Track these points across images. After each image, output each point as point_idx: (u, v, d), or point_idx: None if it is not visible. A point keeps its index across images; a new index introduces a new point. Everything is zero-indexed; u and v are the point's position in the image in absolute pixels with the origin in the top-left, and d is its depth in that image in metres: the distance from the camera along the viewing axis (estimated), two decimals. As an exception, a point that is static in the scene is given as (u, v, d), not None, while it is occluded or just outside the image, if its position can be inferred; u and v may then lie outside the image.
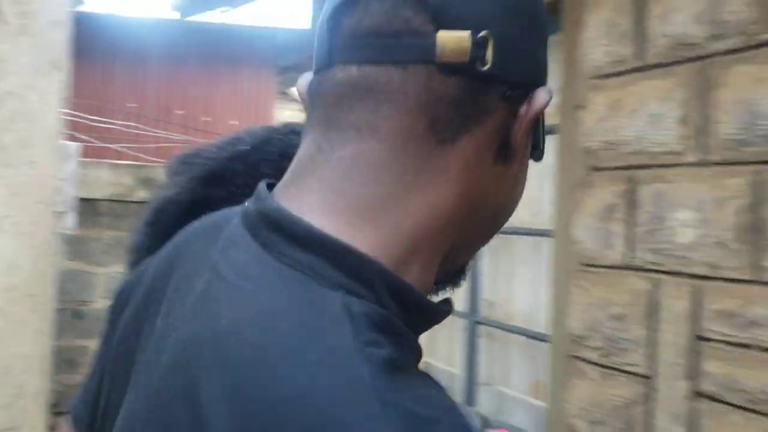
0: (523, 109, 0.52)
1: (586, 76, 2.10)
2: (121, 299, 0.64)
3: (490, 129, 0.51)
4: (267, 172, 0.81)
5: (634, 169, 1.94)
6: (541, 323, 2.52)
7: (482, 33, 0.48)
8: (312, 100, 0.53)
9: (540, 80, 0.54)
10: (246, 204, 0.54)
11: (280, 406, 0.41)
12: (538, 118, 0.54)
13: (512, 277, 2.87)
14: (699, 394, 1.73)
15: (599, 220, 2.03)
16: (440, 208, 0.49)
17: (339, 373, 0.41)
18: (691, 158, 1.77)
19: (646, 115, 1.90)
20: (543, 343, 2.43)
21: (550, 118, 2.35)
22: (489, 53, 0.48)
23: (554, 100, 2.12)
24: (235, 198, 0.81)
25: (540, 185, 2.50)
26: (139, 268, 0.66)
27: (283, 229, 0.48)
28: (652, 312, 1.86)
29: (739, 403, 1.62)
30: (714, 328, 1.70)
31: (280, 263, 0.47)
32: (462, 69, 0.48)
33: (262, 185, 0.54)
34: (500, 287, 2.90)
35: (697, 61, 1.76)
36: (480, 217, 0.54)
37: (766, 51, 1.60)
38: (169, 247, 0.62)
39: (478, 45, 0.47)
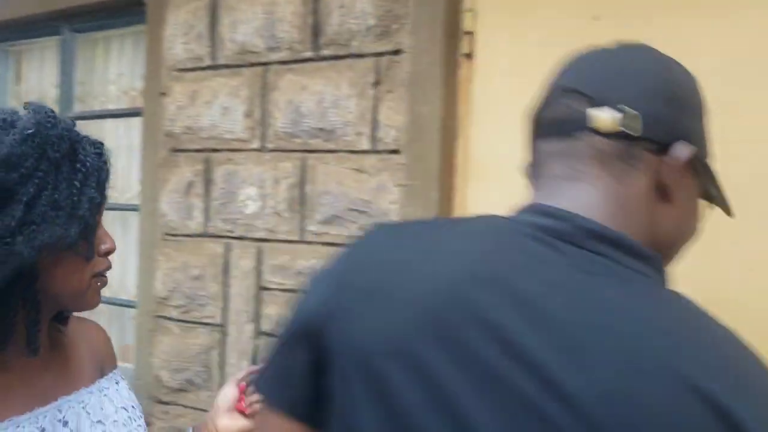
0: (667, 158, 0.71)
1: (168, 68, 2.38)
2: (333, 303, 0.72)
3: (644, 173, 0.71)
4: (52, 155, 0.90)
5: (209, 152, 2.29)
6: (130, 292, 2.71)
7: (627, 111, 0.70)
8: (537, 150, 0.77)
9: (680, 138, 0.72)
10: (531, 219, 0.71)
11: None
12: (709, 175, 0.76)
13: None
14: (261, 333, 2.18)
15: (181, 195, 2.34)
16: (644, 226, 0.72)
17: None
18: (254, 145, 2.19)
19: (218, 107, 2.27)
20: (131, 309, 2.64)
21: (138, 102, 2.54)
22: (630, 123, 0.70)
23: (140, 87, 2.33)
24: (29, 180, 0.88)
25: (128, 164, 2.69)
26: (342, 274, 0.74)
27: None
28: (225, 271, 2.24)
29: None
30: (272, 279, 2.15)
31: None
32: (614, 134, 0.70)
33: (548, 207, 0.71)
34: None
35: (259, 67, 2.19)
36: (661, 242, 0.73)
37: (307, 65, 2.09)
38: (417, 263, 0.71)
39: (625, 119, 0.70)
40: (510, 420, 0.59)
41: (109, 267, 1.01)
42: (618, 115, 0.70)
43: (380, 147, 1.96)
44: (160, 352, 2.38)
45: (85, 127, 1.02)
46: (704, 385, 0.56)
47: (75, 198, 0.92)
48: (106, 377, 1.09)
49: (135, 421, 1.06)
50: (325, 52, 2.06)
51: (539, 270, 0.65)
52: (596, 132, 0.71)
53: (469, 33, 1.89)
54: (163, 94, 2.38)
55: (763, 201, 1.48)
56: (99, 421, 1.00)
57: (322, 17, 2.06)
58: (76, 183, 0.92)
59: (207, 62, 2.30)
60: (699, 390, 0.55)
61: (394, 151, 1.93)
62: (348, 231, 2.00)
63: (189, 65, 2.33)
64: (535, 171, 0.78)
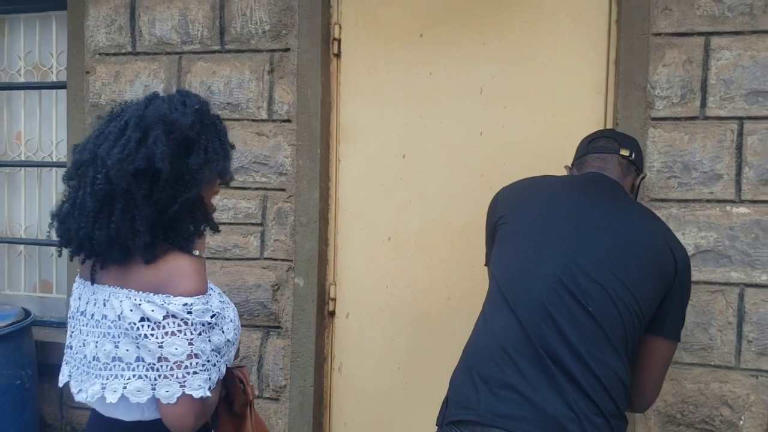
0: (638, 179, 1.88)
1: (92, 52, 2.98)
2: (505, 202, 1.82)
3: (631, 175, 1.85)
4: (207, 121, 1.50)
5: (132, 119, 2.94)
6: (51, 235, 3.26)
7: (632, 150, 1.85)
8: (587, 157, 1.89)
9: (641, 168, 1.91)
10: (591, 176, 1.82)
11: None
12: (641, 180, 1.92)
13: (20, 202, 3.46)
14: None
15: (108, 154, 2.97)
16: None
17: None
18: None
19: (140, 85, 2.93)
20: (50, 249, 3.20)
21: (47, 77, 3.09)
22: (637, 159, 1.86)
23: (64, 66, 2.93)
24: (201, 136, 1.47)
25: (62, 126, 3.21)
26: (510, 190, 1.86)
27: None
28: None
29: None
30: (191, 215, 2.88)
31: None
32: (626, 158, 1.84)
33: (593, 174, 1.82)
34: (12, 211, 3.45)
35: (174, 55, 2.89)
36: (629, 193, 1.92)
37: (215, 56, 2.83)
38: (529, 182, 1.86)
39: (636, 159, 1.86)
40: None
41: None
42: (627, 152, 1.84)
43: (275, 117, 2.77)
44: (94, 277, 3.01)
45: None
46: (665, 237, 1.63)
47: (222, 145, 1.55)
48: None
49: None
50: (230, 47, 2.82)
51: (596, 190, 1.74)
52: (620, 155, 1.83)
53: (337, 39, 2.76)
54: (88, 72, 2.99)
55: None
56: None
57: (227, 21, 2.82)
58: (221, 137, 1.56)
59: (128, 49, 2.94)
60: (664, 240, 1.62)
61: (287, 120, 2.76)
62: (252, 178, 2.80)
63: (112, 51, 2.96)
64: (579, 166, 1.89)
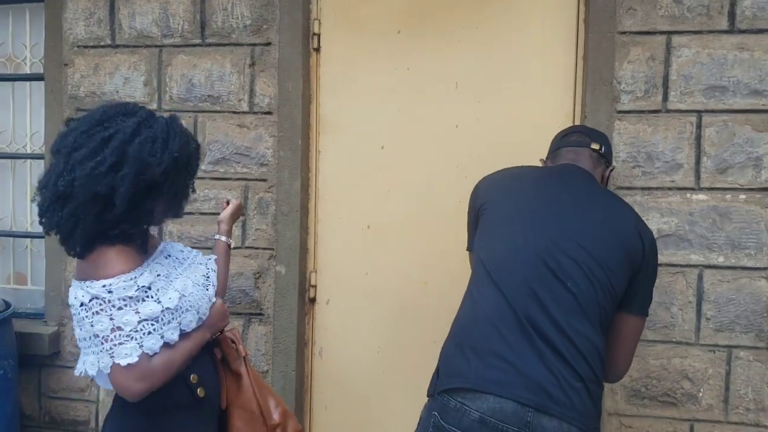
0: (608, 171, 2.05)
1: (70, 44, 3.00)
2: (487, 190, 1.96)
3: (601, 167, 2.01)
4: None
5: (111, 111, 2.97)
6: (26, 226, 3.26)
7: (602, 144, 2.01)
8: (560, 150, 2.05)
9: (610, 160, 2.08)
10: (566, 166, 1.98)
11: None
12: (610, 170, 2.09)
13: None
14: (163, 246, 2.94)
15: (87, 145, 2.99)
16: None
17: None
18: (152, 106, 2.93)
19: (120, 77, 2.96)
20: (24, 241, 3.20)
21: (20, 69, 3.09)
22: (606, 153, 2.02)
23: (38, 58, 2.95)
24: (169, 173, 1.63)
25: (36, 118, 3.19)
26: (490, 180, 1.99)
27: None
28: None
29: None
30: (172, 205, 2.93)
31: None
32: (596, 151, 2.00)
33: (567, 164, 1.98)
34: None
35: (155, 48, 2.93)
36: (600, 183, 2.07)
37: (196, 49, 2.89)
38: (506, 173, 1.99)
39: (605, 152, 2.03)
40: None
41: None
42: (598, 146, 1.99)
43: (257, 109, 2.85)
44: (74, 266, 3.03)
45: None
46: (635, 223, 1.80)
47: (186, 188, 1.77)
48: (161, 243, 1.88)
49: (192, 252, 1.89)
50: (211, 40, 2.88)
51: (571, 180, 1.89)
52: (591, 148, 1.98)
53: (317, 34, 2.85)
54: (66, 65, 3.00)
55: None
56: (181, 251, 1.84)
57: (208, 15, 2.87)
58: (187, 180, 1.76)
59: (107, 42, 2.97)
60: (633, 225, 1.79)
61: (268, 113, 2.83)
62: (233, 169, 2.87)
63: (91, 43, 2.98)
64: (554, 158, 2.04)
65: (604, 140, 2.03)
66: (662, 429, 2.55)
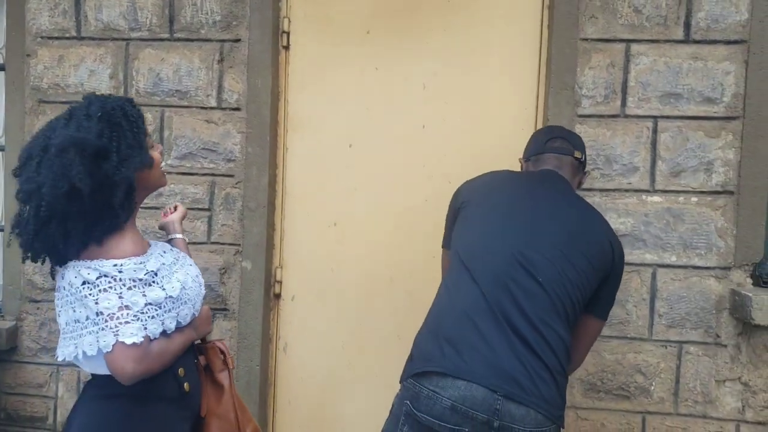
0: (584, 177, 2.16)
1: (33, 35, 2.95)
2: (468, 191, 2.02)
3: (579, 174, 2.12)
4: (115, 120, 1.62)
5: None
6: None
7: (582, 153, 2.11)
8: (543, 155, 2.11)
9: (585, 167, 2.20)
10: (546, 171, 2.06)
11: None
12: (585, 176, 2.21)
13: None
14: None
15: (50, 137, 2.94)
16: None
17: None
18: (118, 100, 2.91)
19: (85, 69, 2.93)
20: (-17, 234, 3.14)
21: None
22: (581, 158, 2.10)
23: (1, 47, 2.91)
24: (112, 140, 1.60)
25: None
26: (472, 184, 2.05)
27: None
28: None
29: None
30: (136, 200, 2.91)
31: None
32: (577, 159, 2.09)
33: (549, 171, 2.06)
34: None
35: (122, 41, 2.91)
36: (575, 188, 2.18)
37: (164, 43, 2.88)
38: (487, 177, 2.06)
39: (584, 160, 2.12)
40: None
41: (161, 160, 1.80)
42: (580, 154, 2.08)
43: (225, 105, 2.86)
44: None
45: None
46: (607, 232, 1.91)
47: (136, 137, 1.69)
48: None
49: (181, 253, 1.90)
50: (179, 35, 2.87)
51: (552, 186, 1.98)
52: (573, 156, 2.07)
53: (287, 32, 2.88)
54: (29, 55, 2.96)
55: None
56: (171, 249, 1.84)
57: (176, 10, 2.87)
58: (134, 129, 1.69)
59: (72, 34, 2.94)
60: (605, 234, 1.86)
61: (236, 109, 2.84)
62: (200, 164, 2.87)
63: (55, 34, 2.94)
64: (536, 162, 2.09)
65: (582, 147, 2.14)
66: (616, 421, 2.66)
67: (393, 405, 1.84)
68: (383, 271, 2.84)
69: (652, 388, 2.63)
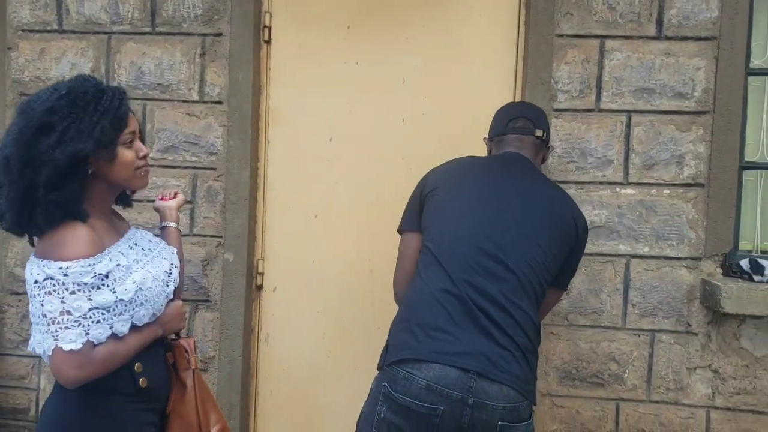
0: (548, 153, 2.26)
1: (14, 28, 2.96)
2: (435, 178, 2.07)
3: (542, 152, 2.20)
4: (80, 103, 1.60)
5: (57, 96, 2.94)
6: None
7: (545, 131, 2.17)
8: (505, 137, 2.18)
9: (549, 142, 2.26)
10: (508, 153, 2.15)
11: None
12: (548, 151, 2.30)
13: None
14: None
15: (31, 130, 2.95)
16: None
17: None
18: (100, 93, 2.92)
19: (67, 62, 2.94)
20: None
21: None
22: (544, 135, 2.17)
23: None
24: (64, 119, 1.59)
25: None
26: (437, 172, 2.11)
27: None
28: (76, 188, 2.95)
29: None
30: (118, 192, 2.93)
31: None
32: (540, 138, 2.15)
33: (512, 153, 2.14)
34: None
35: (104, 35, 2.93)
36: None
37: (146, 37, 2.90)
38: (454, 164, 2.13)
39: (546, 137, 2.18)
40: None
41: (146, 165, 1.78)
42: (541, 132, 2.14)
43: (207, 99, 2.88)
44: (14, 253, 3.00)
45: None
46: (570, 208, 2.02)
47: (96, 125, 1.64)
48: (130, 229, 1.87)
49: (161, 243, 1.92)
50: (161, 29, 2.90)
51: (515, 168, 2.06)
52: (535, 136, 2.13)
53: (268, 27, 2.91)
54: (10, 48, 2.97)
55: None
56: (149, 240, 1.86)
57: (158, 4, 2.89)
58: (94, 118, 1.64)
59: (54, 27, 2.95)
60: (570, 210, 1.97)
61: (218, 102, 2.87)
62: (182, 158, 2.90)
63: (36, 27, 2.95)
64: (498, 144, 2.17)
65: (545, 123, 2.20)
66: (590, 408, 2.73)
67: (371, 388, 1.90)
68: (364, 263, 2.89)
69: (626, 375, 2.70)
